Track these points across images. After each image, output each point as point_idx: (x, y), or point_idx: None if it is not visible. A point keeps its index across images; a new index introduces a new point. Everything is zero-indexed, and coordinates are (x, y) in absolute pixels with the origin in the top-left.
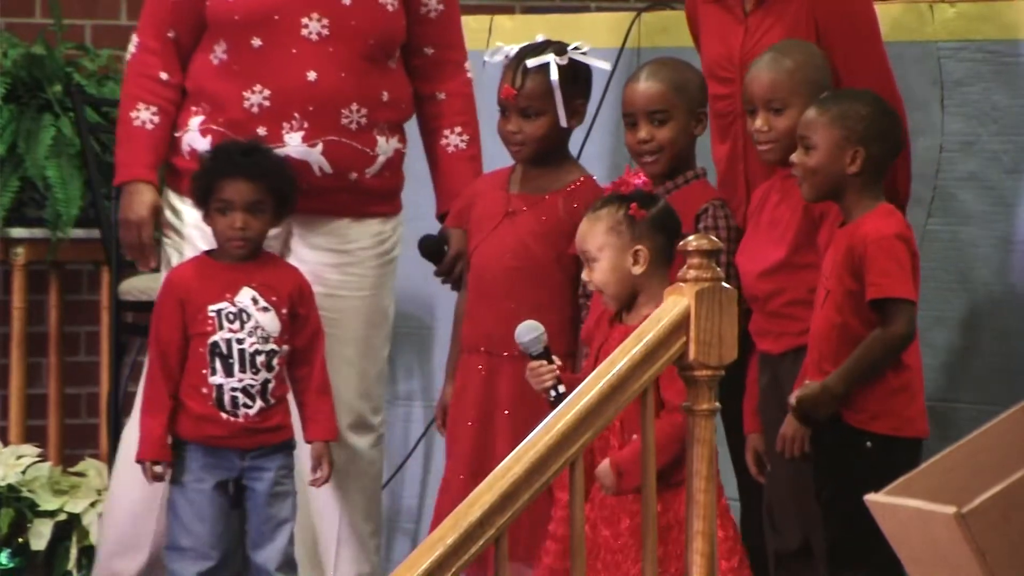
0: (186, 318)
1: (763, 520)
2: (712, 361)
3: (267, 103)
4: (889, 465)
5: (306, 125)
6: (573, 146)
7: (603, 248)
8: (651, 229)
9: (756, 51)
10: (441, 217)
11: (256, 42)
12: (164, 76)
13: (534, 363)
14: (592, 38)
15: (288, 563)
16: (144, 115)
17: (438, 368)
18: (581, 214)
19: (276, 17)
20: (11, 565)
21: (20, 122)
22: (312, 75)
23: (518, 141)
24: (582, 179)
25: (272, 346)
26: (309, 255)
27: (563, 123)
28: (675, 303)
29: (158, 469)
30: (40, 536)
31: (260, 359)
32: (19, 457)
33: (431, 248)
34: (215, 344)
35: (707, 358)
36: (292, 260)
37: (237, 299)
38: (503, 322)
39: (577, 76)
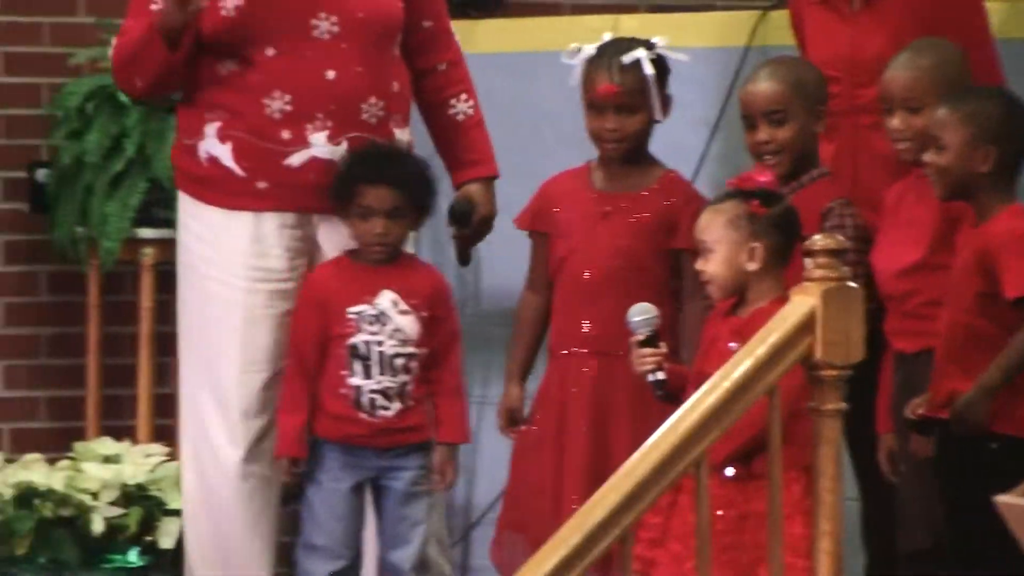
0: (326, 320)
1: (895, 519)
2: (838, 361)
3: (289, 108)
4: (1015, 466)
5: (329, 124)
6: (698, 147)
7: (720, 241)
8: (770, 228)
9: (864, 50)
10: (465, 182)
11: (270, 51)
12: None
13: (640, 348)
14: (717, 36)
15: (422, 564)
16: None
17: None
18: (676, 208)
19: (285, 24)
20: (140, 563)
21: (148, 123)
22: (331, 74)
23: (616, 139)
24: (669, 173)
25: (411, 349)
26: (334, 252)
27: (659, 117)
28: (801, 303)
29: (295, 469)
30: (168, 535)
31: (399, 362)
32: (147, 456)
33: (461, 213)
34: (354, 346)
35: (834, 358)
36: (319, 257)
37: (377, 302)
38: (610, 322)
39: (662, 69)
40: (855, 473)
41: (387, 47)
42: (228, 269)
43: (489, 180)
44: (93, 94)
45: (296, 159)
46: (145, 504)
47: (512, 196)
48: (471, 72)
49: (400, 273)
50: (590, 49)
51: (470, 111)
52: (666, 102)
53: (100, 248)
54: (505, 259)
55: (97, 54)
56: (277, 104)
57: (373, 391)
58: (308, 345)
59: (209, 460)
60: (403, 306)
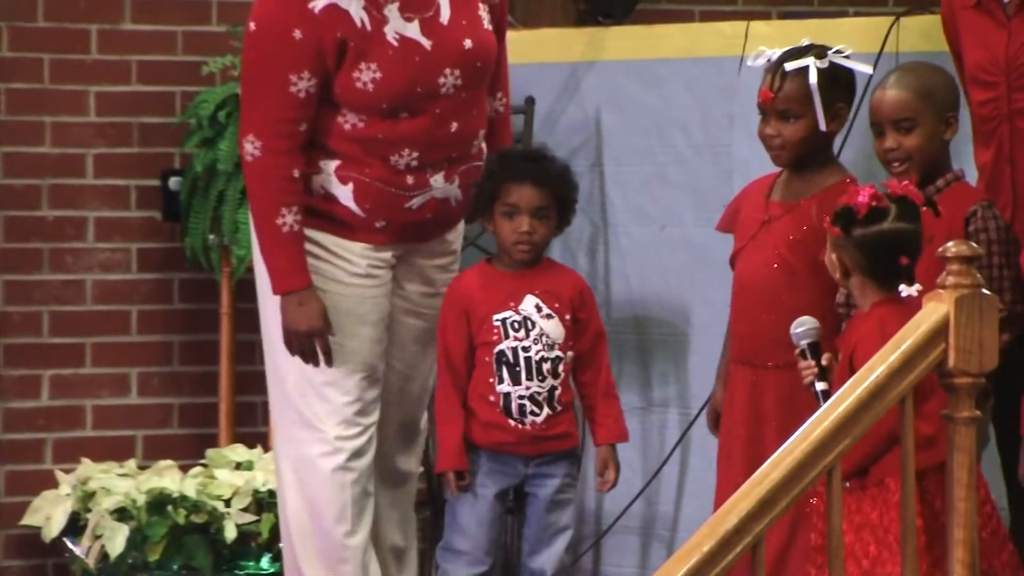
0: (471, 328)
1: None
2: (972, 368)
3: (415, 162)
4: None
5: (447, 166)
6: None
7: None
8: (850, 246)
9: (1021, 54)
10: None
11: (403, 115)
12: (296, 174)
13: (801, 360)
14: (850, 43)
15: (564, 570)
16: (289, 219)
17: (693, 374)
18: None
19: (419, 89)
20: (272, 570)
21: None
22: (454, 126)
23: (777, 145)
24: (838, 182)
25: (557, 353)
26: (422, 262)
27: (822, 126)
28: (934, 310)
29: (462, 481)
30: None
31: (546, 366)
32: None
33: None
34: (501, 353)
35: (967, 365)
36: (404, 272)
37: (521, 307)
38: (763, 333)
39: (837, 80)
40: (1005, 482)
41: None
42: (342, 279)
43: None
44: (225, 102)
45: (417, 201)
46: (276, 511)
47: (642, 203)
48: (602, 79)
49: (542, 277)
50: (770, 53)
51: (501, 108)
52: (838, 112)
53: (232, 256)
54: (635, 267)
55: (230, 62)
56: (404, 160)
57: (522, 397)
58: (458, 356)
59: (316, 461)
60: (547, 310)
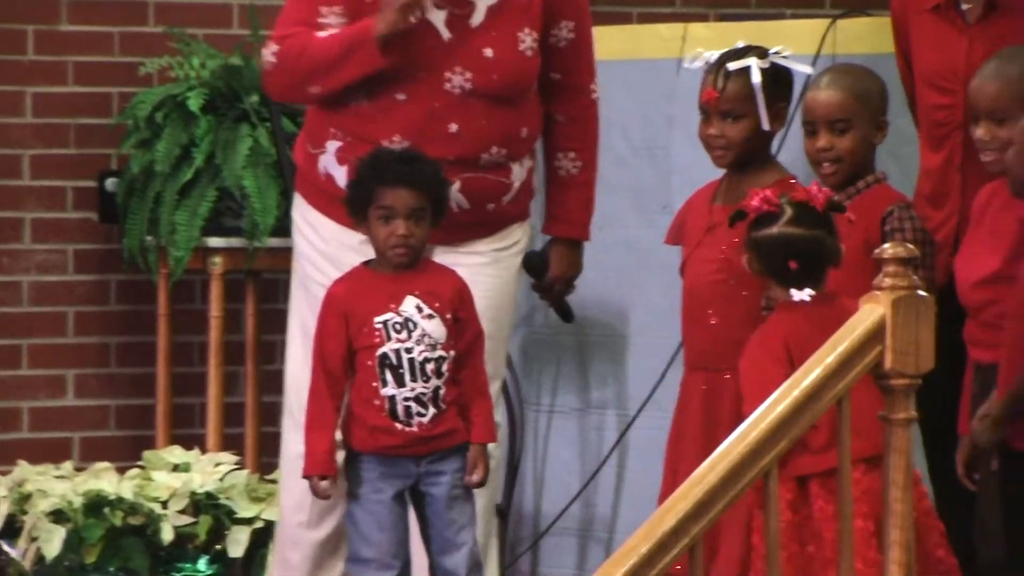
0: (351, 332)
1: (973, 529)
2: (909, 370)
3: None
4: None
5: (444, 167)
6: None
7: None
8: (747, 248)
9: (979, 64)
10: (548, 234)
11: (400, 96)
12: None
13: None
14: (787, 45)
15: (476, 565)
16: (332, 21)
17: (632, 376)
18: None
19: (422, 74)
20: (209, 572)
21: (218, 132)
22: (454, 127)
23: (720, 145)
24: (780, 181)
25: (440, 353)
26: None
27: (765, 126)
28: (871, 311)
29: (324, 484)
30: (238, 543)
31: (430, 367)
32: (217, 465)
33: (532, 265)
34: (384, 355)
35: (904, 367)
36: None
37: (402, 308)
38: (715, 338)
39: (779, 79)
40: (931, 483)
41: (520, 99)
42: (335, 276)
43: (570, 241)
44: (163, 103)
45: None
46: (214, 512)
47: None
48: None
49: (421, 278)
50: (710, 55)
51: (574, 170)
52: (779, 112)
53: (169, 257)
54: None
55: (167, 63)
56: (396, 147)
57: (407, 399)
58: (336, 360)
59: (294, 468)
60: (428, 310)
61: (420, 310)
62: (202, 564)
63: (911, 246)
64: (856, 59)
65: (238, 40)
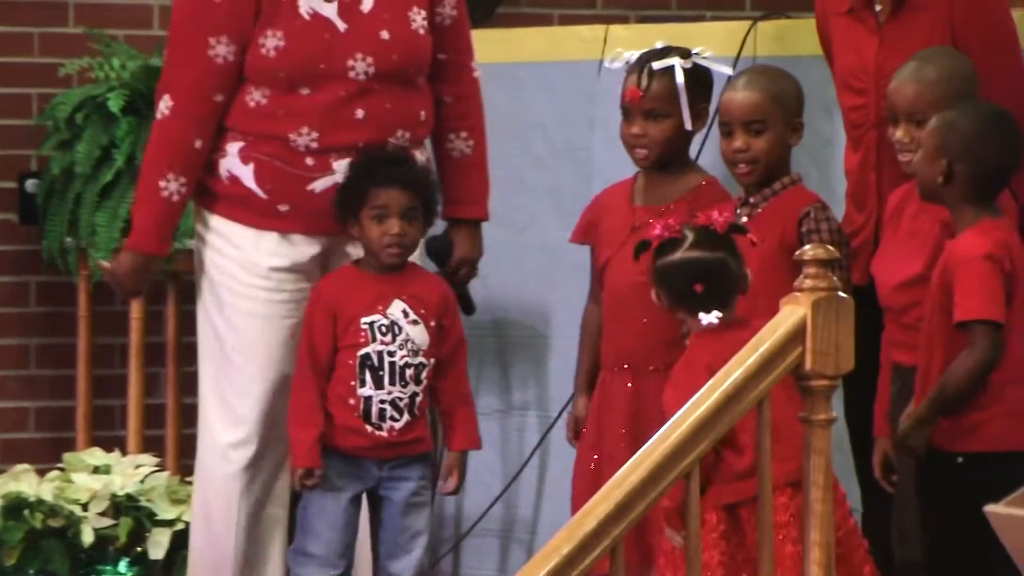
0: (337, 330)
1: (891, 529)
2: (829, 371)
3: (315, 144)
4: (989, 479)
5: (354, 154)
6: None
7: None
8: (654, 280)
9: (892, 61)
10: (448, 219)
11: (304, 90)
12: (198, 144)
13: None
14: (708, 46)
15: (422, 574)
16: (172, 186)
17: (553, 377)
18: None
19: (322, 66)
20: (130, 574)
21: (138, 134)
22: (360, 113)
23: (642, 145)
24: (705, 182)
25: (421, 359)
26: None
27: (688, 126)
28: (791, 313)
29: (310, 480)
30: (158, 545)
31: (409, 372)
32: (137, 466)
33: (435, 250)
34: (366, 356)
35: (824, 368)
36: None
37: (389, 311)
38: (643, 338)
39: (700, 79)
40: (859, 482)
41: (417, 80)
42: (249, 281)
43: (472, 222)
44: (83, 104)
45: (319, 185)
46: (135, 515)
47: (502, 207)
48: None
49: (409, 282)
50: (631, 55)
51: (467, 150)
52: (701, 112)
53: (89, 259)
54: (495, 271)
55: (87, 64)
56: (303, 140)
57: (383, 402)
58: (325, 357)
59: (216, 467)
60: (413, 316)
61: (406, 315)
62: (122, 566)
63: (831, 248)
64: (776, 61)
65: (158, 41)
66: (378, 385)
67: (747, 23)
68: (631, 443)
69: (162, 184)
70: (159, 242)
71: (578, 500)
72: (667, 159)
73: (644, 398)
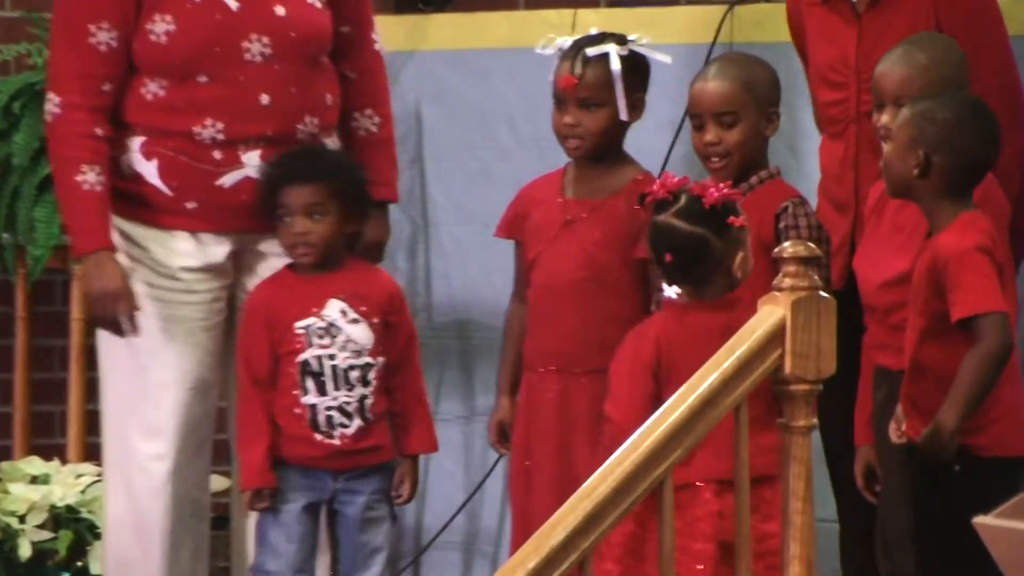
0: (274, 338)
1: (876, 542)
2: (809, 375)
3: (221, 136)
4: (983, 487)
5: (263, 145)
6: (661, 149)
7: None
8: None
9: (874, 53)
10: None
11: (202, 78)
12: (99, 132)
13: None
14: (681, 32)
15: None
16: (91, 177)
17: None
18: (642, 214)
19: (217, 49)
20: None
21: None
22: (265, 98)
23: (576, 135)
24: (641, 176)
25: (367, 359)
26: (266, 271)
27: (623, 116)
28: (770, 313)
29: (260, 503)
30: (100, 559)
31: (354, 375)
32: (78, 476)
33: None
34: (305, 362)
35: (804, 372)
36: (251, 277)
37: (325, 312)
38: (572, 338)
39: (637, 68)
40: (834, 492)
41: (320, 59)
42: (159, 283)
43: (382, 204)
44: (20, 92)
45: (228, 179)
46: (75, 527)
47: (466, 201)
48: (423, 70)
49: (347, 279)
50: (564, 41)
51: (374, 127)
52: (637, 103)
53: (28, 256)
54: (458, 269)
55: (24, 50)
56: (208, 132)
57: (329, 408)
58: (263, 369)
59: (136, 480)
60: (353, 314)
61: (344, 314)
62: None
63: (812, 244)
64: (755, 47)
65: None
66: (321, 391)
67: (723, 7)
68: (559, 448)
69: (79, 179)
70: (106, 236)
71: (516, 509)
72: (601, 151)
73: (573, 401)
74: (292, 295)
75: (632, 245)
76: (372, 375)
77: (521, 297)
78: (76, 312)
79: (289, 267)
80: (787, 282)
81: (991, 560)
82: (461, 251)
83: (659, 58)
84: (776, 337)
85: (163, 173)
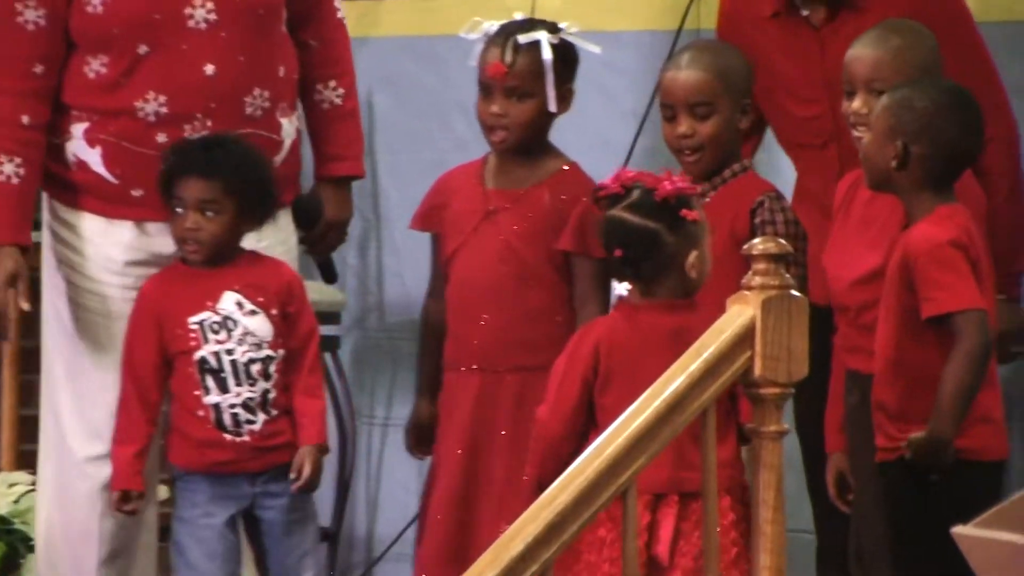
0: (164, 336)
1: (848, 552)
2: (780, 378)
3: (164, 110)
4: (963, 492)
5: (209, 123)
6: (626, 140)
7: None
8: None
9: (839, 68)
10: (319, 177)
11: (142, 49)
12: (26, 120)
13: None
14: (645, 19)
15: None
16: (8, 168)
17: None
18: (569, 206)
19: (157, 16)
20: None
21: None
22: (210, 68)
23: (502, 126)
24: (567, 167)
25: (267, 352)
26: None
27: (552, 108)
28: (739, 313)
29: (128, 505)
30: (35, 572)
31: (255, 368)
32: (11, 486)
33: (304, 210)
34: (203, 360)
35: (775, 374)
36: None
37: (220, 306)
38: (493, 334)
39: (567, 58)
40: (812, 502)
41: (272, 27)
42: (103, 278)
43: (345, 180)
44: None
45: None
46: (8, 539)
47: (420, 195)
48: (375, 57)
49: (243, 271)
50: (491, 26)
51: (337, 99)
52: (566, 94)
53: None
54: (412, 267)
55: None
56: (151, 107)
57: (233, 406)
58: (146, 367)
59: (74, 485)
60: (250, 306)
61: (241, 306)
62: None
63: (783, 241)
64: None
65: None
66: (223, 389)
67: None
68: (469, 450)
69: None
70: (13, 230)
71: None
72: (526, 144)
73: (493, 402)
74: (184, 289)
75: (555, 237)
76: (273, 368)
77: (438, 293)
78: (10, 312)
79: (181, 260)
80: (757, 280)
81: (970, 570)
82: (415, 248)
83: (589, 48)
84: (745, 338)
85: (107, 161)
